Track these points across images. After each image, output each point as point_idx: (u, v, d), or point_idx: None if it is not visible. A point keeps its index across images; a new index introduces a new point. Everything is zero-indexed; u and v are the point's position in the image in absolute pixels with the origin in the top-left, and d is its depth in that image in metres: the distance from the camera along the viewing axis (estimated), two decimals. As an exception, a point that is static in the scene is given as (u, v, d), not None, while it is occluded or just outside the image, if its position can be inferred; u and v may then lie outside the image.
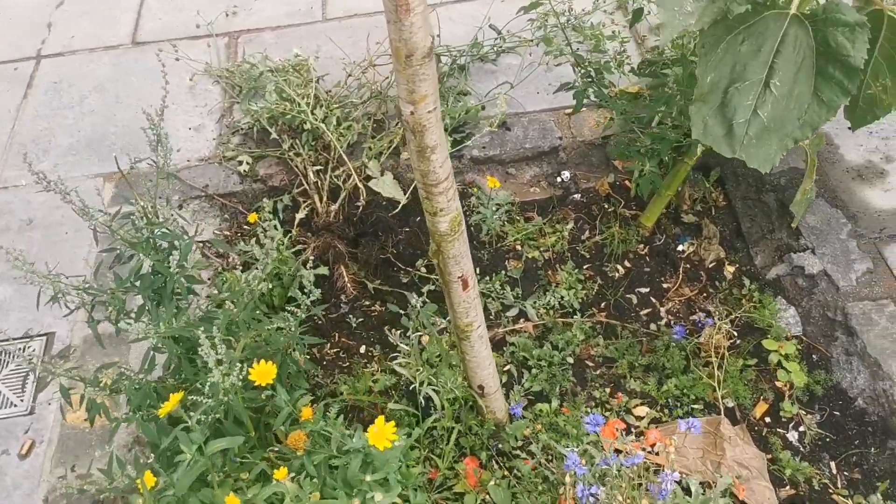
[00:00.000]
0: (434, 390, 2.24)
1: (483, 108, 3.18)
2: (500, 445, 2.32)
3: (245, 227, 3.01)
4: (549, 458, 2.25)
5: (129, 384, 1.99)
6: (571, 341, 2.58)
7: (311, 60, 3.33)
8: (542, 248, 2.88)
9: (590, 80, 2.92)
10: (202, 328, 1.87)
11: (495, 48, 3.35)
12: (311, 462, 1.84)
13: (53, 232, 2.93)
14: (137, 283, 1.97)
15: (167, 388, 2.03)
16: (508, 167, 3.09)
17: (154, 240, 1.99)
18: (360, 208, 2.90)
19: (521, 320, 2.70)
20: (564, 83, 2.96)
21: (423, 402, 2.27)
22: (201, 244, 2.91)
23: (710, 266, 2.80)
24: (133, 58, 3.59)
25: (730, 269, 2.78)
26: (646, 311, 2.71)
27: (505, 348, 2.62)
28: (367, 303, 2.82)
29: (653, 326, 2.66)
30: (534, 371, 2.53)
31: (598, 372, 2.54)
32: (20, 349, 2.60)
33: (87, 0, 3.90)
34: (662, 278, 2.79)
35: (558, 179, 3.05)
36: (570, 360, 2.55)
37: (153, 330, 1.82)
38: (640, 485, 2.01)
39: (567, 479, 1.90)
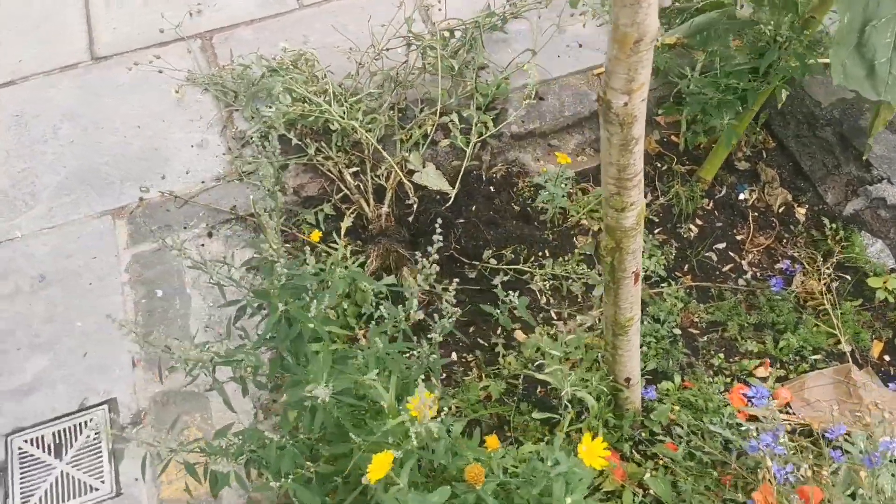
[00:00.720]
0: (579, 390, 2.09)
1: (507, 79, 3.00)
2: (641, 434, 2.20)
3: (286, 244, 2.74)
4: (689, 438, 2.16)
5: (270, 445, 1.75)
6: (671, 311, 2.48)
7: (312, 53, 3.05)
8: (606, 219, 2.74)
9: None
10: (369, 374, 1.66)
11: (504, 14, 3.15)
12: (488, 494, 1.67)
13: (73, 285, 2.59)
14: (274, 336, 1.72)
15: (313, 445, 1.80)
16: (550, 139, 2.93)
17: (292, 286, 1.74)
18: (414, 206, 2.69)
19: (610, 298, 2.58)
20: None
21: (566, 404, 2.13)
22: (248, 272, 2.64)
23: (779, 211, 2.74)
24: (98, 76, 3.21)
25: (800, 211, 2.73)
26: (728, 268, 2.63)
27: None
28: (442, 306, 2.63)
29: (741, 282, 2.59)
30: (643, 349, 2.42)
31: (706, 338, 2.45)
32: (82, 423, 2.29)
33: (24, 16, 3.45)
34: (734, 231, 2.72)
35: (604, 144, 2.91)
36: (677, 330, 2.45)
37: (321, 384, 1.59)
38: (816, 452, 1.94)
39: (767, 461, 1.81)
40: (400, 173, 2.73)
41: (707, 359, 2.40)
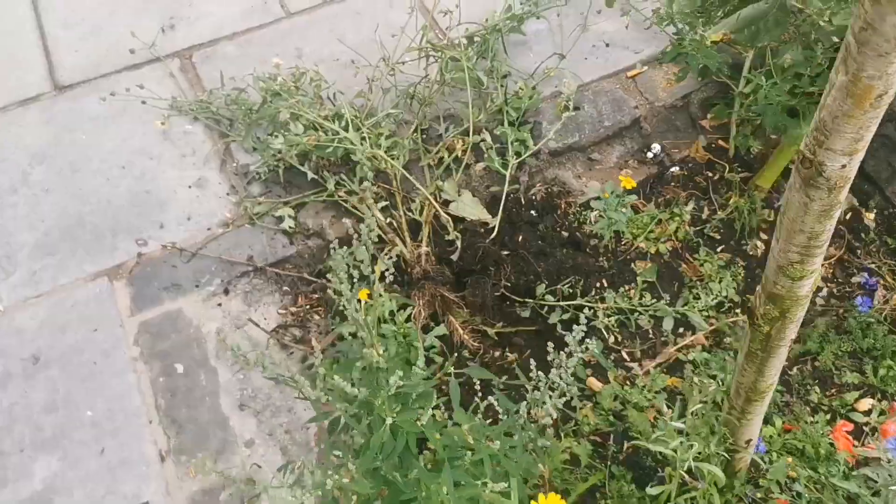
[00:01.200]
0: (703, 464, 1.84)
1: (536, 88, 2.71)
2: (756, 495, 1.98)
3: (313, 295, 2.43)
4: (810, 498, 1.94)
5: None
6: (755, 342, 2.25)
7: (316, 71, 2.71)
8: (662, 240, 2.51)
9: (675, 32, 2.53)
10: (492, 486, 1.38)
11: (521, 14, 2.85)
12: None
13: (74, 364, 2.23)
14: (376, 454, 1.42)
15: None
16: (591, 153, 2.67)
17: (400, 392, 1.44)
18: (457, 243, 2.39)
19: (683, 331, 2.34)
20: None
21: (681, 476, 1.88)
22: (276, 332, 2.32)
23: (846, 218, 2.54)
24: (67, 108, 2.80)
25: (869, 217, 2.54)
26: (801, 285, 2.42)
27: (682, 370, 2.26)
28: (496, 353, 2.36)
29: (819, 300, 2.39)
30: (732, 388, 2.19)
31: (796, 370, 2.24)
32: (112, 538, 1.95)
33: (-32, 42, 3.02)
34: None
35: (648, 155, 2.66)
36: (765, 364, 2.23)
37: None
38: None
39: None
40: (435, 205, 2.43)
41: (802, 395, 2.19)
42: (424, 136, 2.63)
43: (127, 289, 2.37)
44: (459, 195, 2.50)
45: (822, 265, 2.37)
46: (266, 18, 3.04)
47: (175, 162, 2.64)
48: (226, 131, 2.69)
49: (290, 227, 2.45)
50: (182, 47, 2.97)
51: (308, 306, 2.41)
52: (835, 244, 2.50)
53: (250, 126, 2.66)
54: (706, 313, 2.34)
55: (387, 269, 2.36)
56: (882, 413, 2.15)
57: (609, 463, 2.07)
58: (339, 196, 2.48)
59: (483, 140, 2.54)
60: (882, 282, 2.38)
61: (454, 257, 2.40)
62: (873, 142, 2.66)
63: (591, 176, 2.65)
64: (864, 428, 2.13)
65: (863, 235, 2.50)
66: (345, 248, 1.62)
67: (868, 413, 2.15)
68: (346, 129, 2.48)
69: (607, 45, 2.85)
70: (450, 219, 2.43)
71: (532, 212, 2.56)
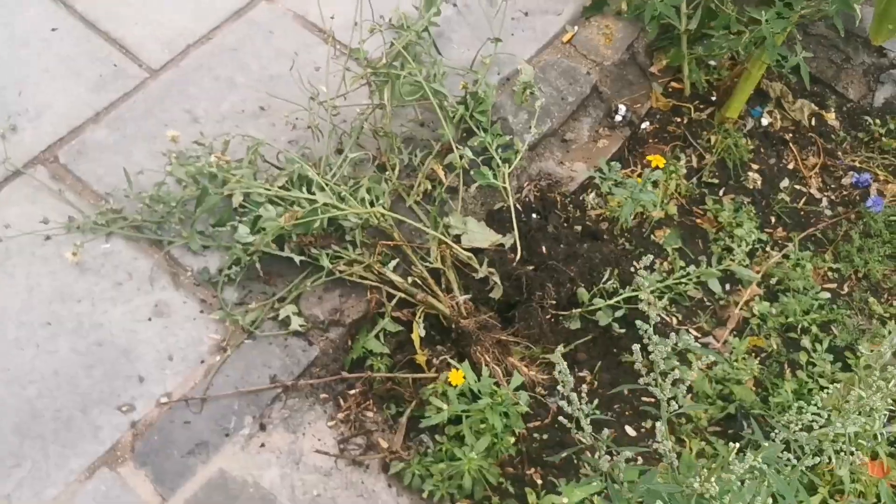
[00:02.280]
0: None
1: (485, 83, 2.46)
2: None
3: (356, 392, 2.08)
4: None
5: None
6: (804, 277, 2.26)
7: (245, 135, 2.27)
8: (666, 202, 2.41)
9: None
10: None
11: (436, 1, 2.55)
12: None
13: (130, 593, 1.76)
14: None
15: None
16: (563, 134, 2.48)
17: None
18: (492, 278, 2.14)
19: (731, 287, 2.29)
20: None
21: None
22: (341, 451, 1.97)
23: (810, 124, 2.59)
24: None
25: (830, 117, 2.60)
26: (802, 202, 2.45)
27: (750, 324, 2.21)
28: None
29: (827, 213, 2.43)
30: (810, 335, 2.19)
31: (845, 288, 2.27)
32: None
33: None
34: (781, 161, 2.52)
35: (616, 118, 2.53)
36: (824, 294, 2.24)
37: None
38: None
39: None
40: (455, 247, 2.15)
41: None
42: (391, 170, 2.31)
43: (141, 472, 1.89)
44: (465, 224, 2.23)
45: (810, 175, 2.40)
46: (127, 85, 2.49)
47: (114, 296, 2.12)
48: (156, 237, 2.20)
49: (301, 326, 2.06)
50: (39, 150, 2.36)
51: (356, 405, 2.06)
52: (810, 152, 2.54)
53: (189, 223, 2.19)
54: (745, 262, 2.29)
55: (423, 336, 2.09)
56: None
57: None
58: (340, 270, 2.12)
59: (462, 156, 2.27)
60: (874, 176, 2.46)
61: (494, 295, 2.15)
62: (811, 43, 2.64)
63: (572, 157, 2.47)
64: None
65: (832, 136, 2.56)
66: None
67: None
68: (319, 193, 2.11)
69: (525, 14, 2.65)
70: (472, 255, 2.16)
71: (534, 215, 2.35)
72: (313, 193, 2.12)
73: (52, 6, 2.63)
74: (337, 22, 2.51)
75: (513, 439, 1.95)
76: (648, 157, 2.24)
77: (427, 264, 2.15)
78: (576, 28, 2.61)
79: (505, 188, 2.24)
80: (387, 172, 2.26)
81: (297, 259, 2.10)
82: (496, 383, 1.97)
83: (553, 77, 2.49)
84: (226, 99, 2.45)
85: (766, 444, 1.51)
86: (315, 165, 2.24)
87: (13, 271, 2.14)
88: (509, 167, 2.27)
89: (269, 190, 2.12)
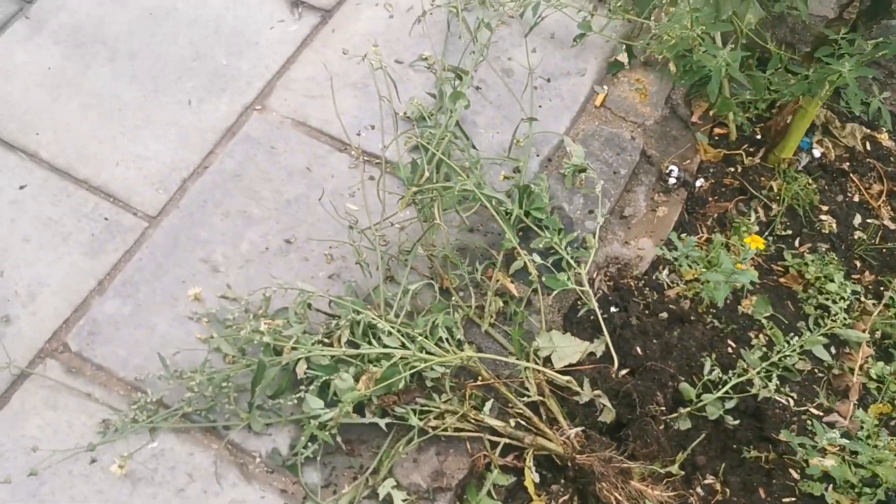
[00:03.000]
0: None
1: (515, 171, 2.22)
2: None
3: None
4: None
5: None
6: (912, 325, 2.11)
7: (280, 285, 1.99)
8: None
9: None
10: None
11: (458, 92, 2.29)
12: None
13: None
14: None
15: None
16: (623, 210, 2.27)
17: None
18: (599, 401, 1.92)
19: (838, 350, 2.13)
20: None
21: None
22: None
23: (865, 149, 2.44)
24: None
25: (884, 138, 2.46)
26: (878, 237, 2.30)
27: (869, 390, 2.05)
28: (699, 490, 1.98)
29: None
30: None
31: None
32: None
33: None
34: (846, 195, 2.37)
35: (670, 181, 2.33)
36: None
37: None
38: None
39: None
40: (548, 371, 1.92)
41: None
42: (445, 293, 2.06)
43: None
44: (552, 341, 2.00)
45: (879, 206, 2.25)
46: (126, 241, 2.17)
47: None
48: (209, 424, 1.90)
49: (404, 502, 1.81)
50: (43, 340, 2.03)
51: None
52: (872, 178, 2.39)
53: (243, 400, 1.90)
54: (847, 320, 2.13)
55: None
56: None
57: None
58: (432, 427, 1.86)
59: (530, 260, 2.03)
60: (944, 197, 2.32)
61: (605, 419, 1.93)
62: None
63: (635, 234, 2.26)
64: None
65: (892, 159, 2.41)
66: None
67: None
68: (386, 339, 1.85)
69: (548, 80, 2.41)
70: (571, 378, 1.94)
71: (612, 308, 2.14)
72: (381, 343, 1.86)
73: (12, 158, 2.28)
74: (341, 123, 2.24)
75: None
76: (746, 241, 2.04)
77: (525, 398, 1.91)
78: (605, 88, 2.39)
79: (585, 291, 2.02)
80: (453, 298, 2.01)
81: (383, 423, 1.84)
82: (640, 529, 1.76)
83: (597, 149, 2.27)
84: (243, 238, 2.16)
85: None
86: (371, 304, 1.97)
87: (52, 500, 1.82)
88: (585, 266, 2.04)
89: (335, 351, 1.84)
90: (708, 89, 2.00)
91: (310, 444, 1.84)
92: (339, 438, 1.85)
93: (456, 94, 2.10)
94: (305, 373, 1.85)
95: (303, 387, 1.87)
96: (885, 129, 2.44)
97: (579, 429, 1.89)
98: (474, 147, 2.21)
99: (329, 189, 2.22)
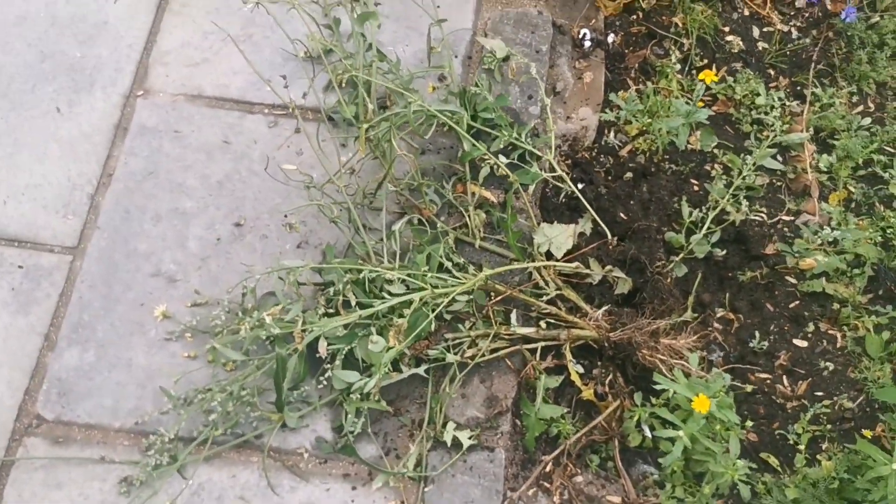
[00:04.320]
0: None
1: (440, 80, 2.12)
2: None
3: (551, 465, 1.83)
4: None
5: None
6: (839, 113, 2.24)
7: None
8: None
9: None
10: None
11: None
12: None
13: None
14: None
15: None
16: (554, 86, 2.22)
17: None
18: (613, 273, 1.92)
19: (785, 157, 2.23)
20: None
21: None
22: None
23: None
24: None
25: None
26: (778, 42, 2.39)
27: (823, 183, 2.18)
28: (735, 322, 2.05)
29: (795, 35, 2.39)
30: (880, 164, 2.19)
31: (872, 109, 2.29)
32: None
33: None
34: (736, 10, 2.44)
35: (586, 45, 2.30)
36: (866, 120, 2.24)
37: None
38: None
39: None
40: (556, 264, 1.89)
41: None
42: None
43: None
44: (545, 234, 1.96)
45: (766, 14, 2.35)
46: (56, 282, 1.90)
47: (244, 532, 1.68)
48: (240, 440, 1.74)
49: (471, 439, 1.75)
50: (10, 420, 1.77)
51: (563, 479, 1.82)
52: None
53: (263, 400, 1.75)
54: (785, 126, 2.22)
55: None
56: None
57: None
58: (469, 358, 1.80)
59: (500, 164, 1.97)
60: (821, -15, 2.44)
61: (622, 290, 1.95)
62: None
63: (573, 106, 2.23)
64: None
65: (764, -35, 2.49)
66: None
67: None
68: (394, 287, 1.75)
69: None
70: (579, 264, 1.92)
71: (580, 185, 2.12)
72: (390, 293, 1.76)
73: None
74: (239, 83, 2.04)
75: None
76: (700, 77, 2.05)
77: (544, 297, 1.88)
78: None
79: (561, 176, 1.98)
80: (438, 225, 1.92)
81: (422, 371, 1.76)
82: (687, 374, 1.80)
83: (510, 33, 2.19)
84: (188, 236, 1.94)
85: None
86: (360, 258, 1.85)
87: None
88: (551, 151, 2.00)
89: (350, 318, 1.72)
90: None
91: (354, 419, 1.73)
92: (383, 402, 1.75)
93: (364, 14, 1.94)
94: (328, 350, 1.71)
95: (326, 365, 1.73)
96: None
97: (604, 308, 1.89)
98: (389, 61, 2.07)
99: (256, 156, 2.02)
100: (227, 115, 2.07)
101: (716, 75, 2.27)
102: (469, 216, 1.94)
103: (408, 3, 2.19)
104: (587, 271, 1.92)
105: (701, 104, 2.09)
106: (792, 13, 2.44)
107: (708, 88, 2.27)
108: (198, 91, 2.09)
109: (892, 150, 2.21)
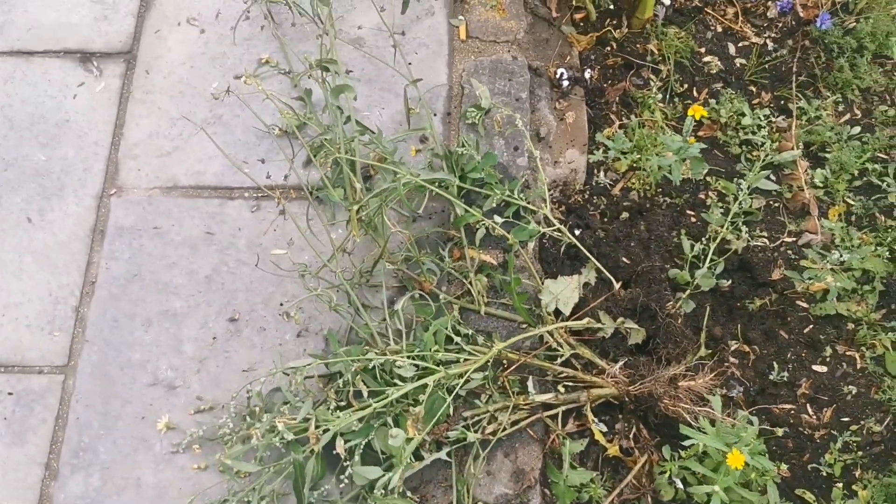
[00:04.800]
0: None
1: (422, 142, 2.06)
2: None
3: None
4: None
5: None
6: (827, 124, 2.21)
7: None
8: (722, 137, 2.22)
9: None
10: None
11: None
12: None
13: None
14: None
15: None
16: (538, 132, 2.17)
17: None
18: (626, 325, 1.87)
19: (778, 176, 2.19)
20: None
21: None
22: None
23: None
24: None
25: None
26: (756, 57, 2.36)
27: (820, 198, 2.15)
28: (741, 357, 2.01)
29: (770, 46, 2.36)
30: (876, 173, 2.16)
31: (859, 116, 2.26)
32: None
33: None
34: (709, 29, 2.40)
35: (564, 85, 2.24)
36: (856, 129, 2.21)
37: None
38: None
39: None
40: (566, 324, 1.84)
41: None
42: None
43: None
44: (550, 291, 1.90)
45: (740, 28, 2.32)
46: (49, 405, 1.83)
47: None
48: None
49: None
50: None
51: None
52: (721, 3, 2.43)
53: (296, 507, 1.68)
54: (774, 144, 2.19)
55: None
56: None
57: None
58: (491, 434, 1.74)
59: (495, 226, 1.90)
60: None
61: (636, 340, 1.89)
62: None
63: (559, 150, 2.18)
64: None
65: (731, -22, 2.46)
66: None
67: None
68: (405, 371, 1.69)
69: (402, 33, 2.21)
70: (590, 318, 1.87)
71: (577, 231, 2.07)
72: (400, 378, 1.69)
73: None
74: (216, 168, 1.96)
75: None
76: (689, 112, 2.00)
77: (559, 358, 1.82)
78: (462, 18, 2.24)
79: (560, 229, 1.92)
80: (441, 297, 1.85)
81: (444, 455, 1.70)
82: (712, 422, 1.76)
83: (487, 82, 2.13)
84: (182, 338, 1.86)
85: None
86: (364, 341, 1.79)
87: None
88: (546, 204, 1.94)
89: (365, 412, 1.65)
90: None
91: (382, 515, 1.66)
92: (408, 495, 1.69)
93: (339, 87, 1.87)
94: (345, 448, 1.64)
95: (345, 463, 1.66)
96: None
97: (621, 363, 1.83)
98: (370, 132, 2.00)
99: (242, 244, 1.95)
100: (207, 204, 1.99)
101: (699, 98, 2.24)
102: (471, 283, 1.88)
103: (379, 65, 2.13)
104: (599, 325, 1.87)
105: (693, 141, 2.04)
106: (765, 24, 2.40)
107: (699, 123, 2.23)
108: (173, 182, 2.01)
109: (885, 157, 2.18)
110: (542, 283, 1.90)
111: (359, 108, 2.09)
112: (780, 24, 2.39)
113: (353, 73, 2.12)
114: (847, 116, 2.25)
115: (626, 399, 1.82)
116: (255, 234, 1.96)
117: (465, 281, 1.89)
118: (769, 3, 2.42)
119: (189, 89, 2.10)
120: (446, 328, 1.77)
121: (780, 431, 1.84)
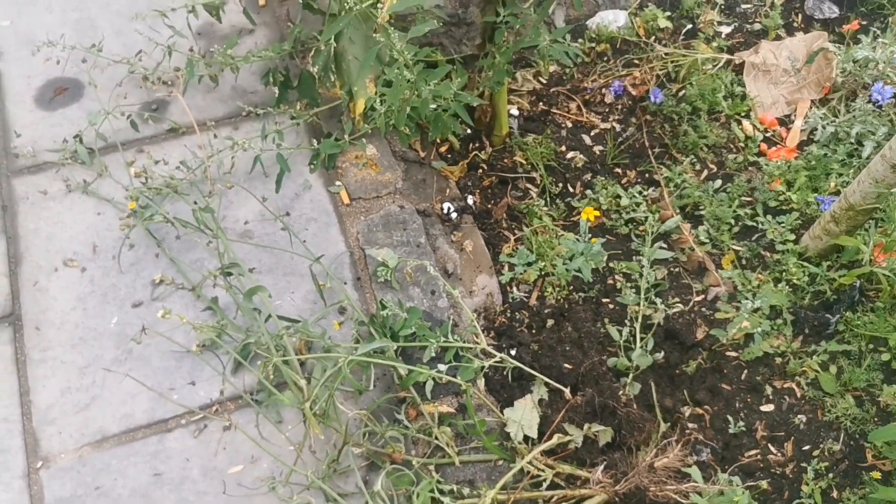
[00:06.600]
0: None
1: (342, 313, 2.07)
2: None
3: None
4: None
5: None
6: (692, 187, 2.40)
7: None
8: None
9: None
10: None
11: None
12: None
13: None
14: None
15: None
16: (446, 267, 2.22)
17: None
18: (594, 435, 1.92)
19: (672, 238, 2.35)
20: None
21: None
22: None
23: (540, 84, 2.66)
24: None
25: (537, 71, 2.68)
26: (609, 143, 2.55)
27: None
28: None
29: (615, 126, 2.57)
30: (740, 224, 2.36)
31: (714, 170, 2.48)
32: None
33: None
34: (561, 126, 2.58)
35: (453, 217, 2.32)
36: (717, 183, 2.41)
37: None
38: None
39: None
40: (537, 455, 1.87)
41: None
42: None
43: None
44: (516, 418, 1.93)
45: (588, 120, 2.52)
46: None
47: None
48: None
49: None
50: None
51: None
52: (560, 100, 2.62)
53: None
54: (656, 216, 2.35)
55: None
56: (757, 118, 2.54)
57: None
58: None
59: (441, 375, 1.92)
60: (618, 80, 2.63)
61: (604, 440, 1.94)
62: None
63: (470, 279, 2.24)
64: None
65: (563, 77, 2.66)
66: None
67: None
68: None
69: (287, 214, 2.23)
70: (559, 434, 1.91)
71: (512, 352, 2.12)
72: None
73: None
74: (143, 405, 1.88)
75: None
76: (584, 216, 2.12)
77: (544, 486, 1.84)
78: (339, 184, 2.28)
79: (502, 358, 1.96)
80: (413, 462, 1.84)
81: None
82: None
83: (384, 238, 2.18)
84: None
85: None
86: None
87: None
88: (482, 339, 1.98)
89: None
90: (430, 136, 2.03)
91: None
92: None
93: (252, 290, 1.85)
94: None
95: None
96: (533, 65, 2.66)
97: (601, 467, 1.88)
98: (293, 321, 1.99)
99: (196, 474, 1.86)
100: (145, 445, 1.89)
101: (576, 193, 2.38)
102: (437, 438, 1.88)
103: (275, 252, 2.13)
104: (569, 437, 1.91)
105: (595, 241, 2.16)
106: (606, 111, 2.60)
107: (575, 210, 2.36)
108: (101, 434, 1.90)
109: (750, 199, 2.39)
110: (503, 415, 1.93)
111: (270, 299, 2.07)
112: (620, 107, 2.60)
113: (255, 268, 2.10)
114: (705, 173, 2.46)
115: (617, 500, 1.86)
116: (206, 458, 1.87)
117: (429, 439, 1.88)
118: (603, 90, 2.62)
119: (88, 333, 2.02)
120: (431, 492, 1.76)
121: (764, 483, 1.93)
